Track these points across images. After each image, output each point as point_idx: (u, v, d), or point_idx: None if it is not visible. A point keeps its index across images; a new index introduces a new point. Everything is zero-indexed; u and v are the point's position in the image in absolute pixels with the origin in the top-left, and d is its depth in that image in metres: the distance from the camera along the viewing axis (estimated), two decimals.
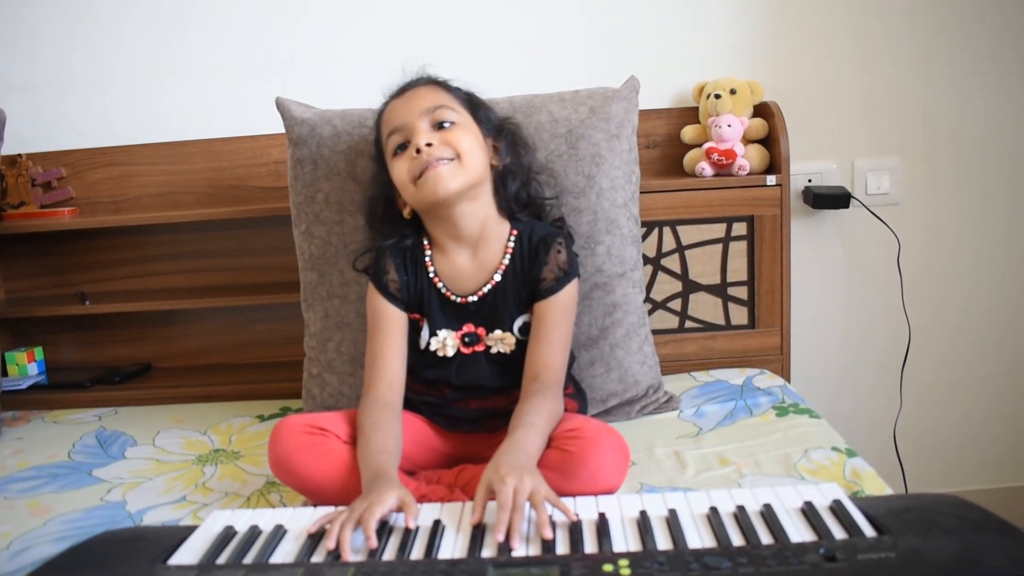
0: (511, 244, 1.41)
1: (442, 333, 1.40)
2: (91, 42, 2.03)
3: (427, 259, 1.42)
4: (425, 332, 1.41)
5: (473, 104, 1.44)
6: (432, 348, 1.40)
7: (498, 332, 1.40)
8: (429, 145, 1.32)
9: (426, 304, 1.41)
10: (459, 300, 1.40)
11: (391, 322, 1.40)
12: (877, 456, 2.01)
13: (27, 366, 2.04)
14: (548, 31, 2.00)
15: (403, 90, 1.41)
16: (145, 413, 1.88)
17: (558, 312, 1.38)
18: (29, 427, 1.84)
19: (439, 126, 1.35)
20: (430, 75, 1.44)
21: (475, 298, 1.40)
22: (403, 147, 1.36)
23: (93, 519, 1.37)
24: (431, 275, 1.41)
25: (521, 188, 1.45)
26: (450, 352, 1.40)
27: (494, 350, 1.40)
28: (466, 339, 1.40)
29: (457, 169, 1.34)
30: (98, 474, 1.57)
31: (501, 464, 1.11)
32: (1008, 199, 2.08)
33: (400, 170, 1.36)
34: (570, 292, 1.40)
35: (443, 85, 1.43)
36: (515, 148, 1.47)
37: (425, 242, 1.43)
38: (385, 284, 1.41)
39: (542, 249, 1.40)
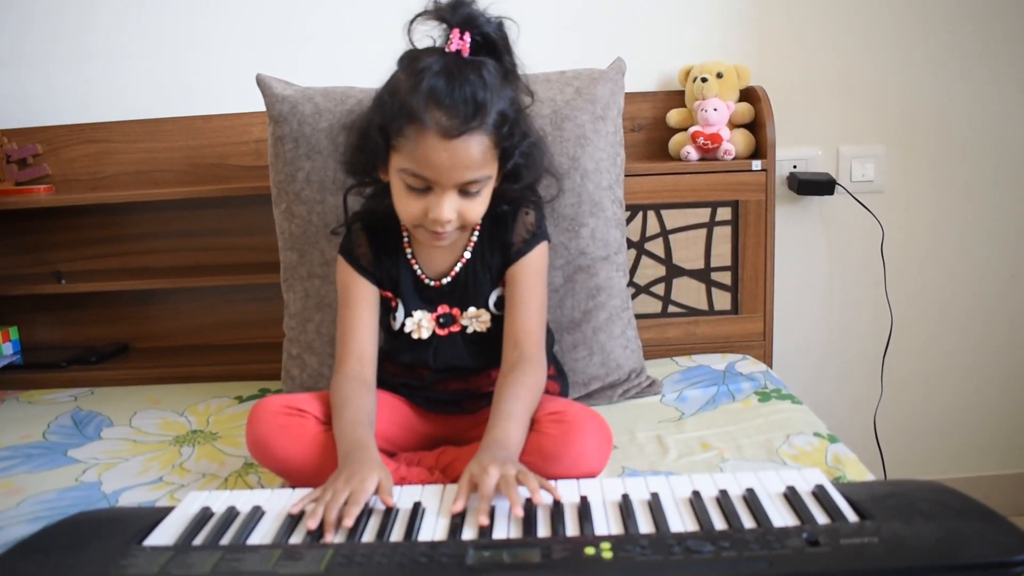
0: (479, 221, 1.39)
1: (417, 314, 1.38)
2: (68, 17, 2.00)
3: (404, 240, 1.40)
4: (400, 313, 1.39)
5: (507, 144, 1.28)
6: (407, 330, 1.39)
7: (472, 310, 1.38)
8: (449, 221, 1.26)
9: (401, 285, 1.39)
10: (433, 283, 1.38)
11: (362, 295, 1.38)
12: (857, 443, 2.01)
13: (2, 346, 2.02)
14: (534, 11, 1.98)
15: (452, 132, 1.19)
16: (122, 393, 1.86)
17: (531, 274, 1.37)
18: (3, 407, 1.82)
19: (464, 192, 1.26)
20: (487, 104, 1.21)
21: (448, 279, 1.38)
22: (419, 188, 1.25)
23: (68, 500, 1.35)
24: (408, 256, 1.39)
25: (509, 203, 1.39)
26: (425, 334, 1.38)
27: (470, 330, 1.39)
28: (441, 320, 1.39)
29: (456, 234, 1.32)
30: (73, 454, 1.55)
31: (483, 459, 1.10)
32: (992, 188, 2.08)
33: (408, 206, 1.27)
34: (541, 253, 1.39)
35: (495, 131, 1.24)
36: (526, 175, 1.36)
37: (401, 223, 1.40)
38: (356, 257, 1.39)
39: (509, 216, 1.38)
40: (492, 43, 1.27)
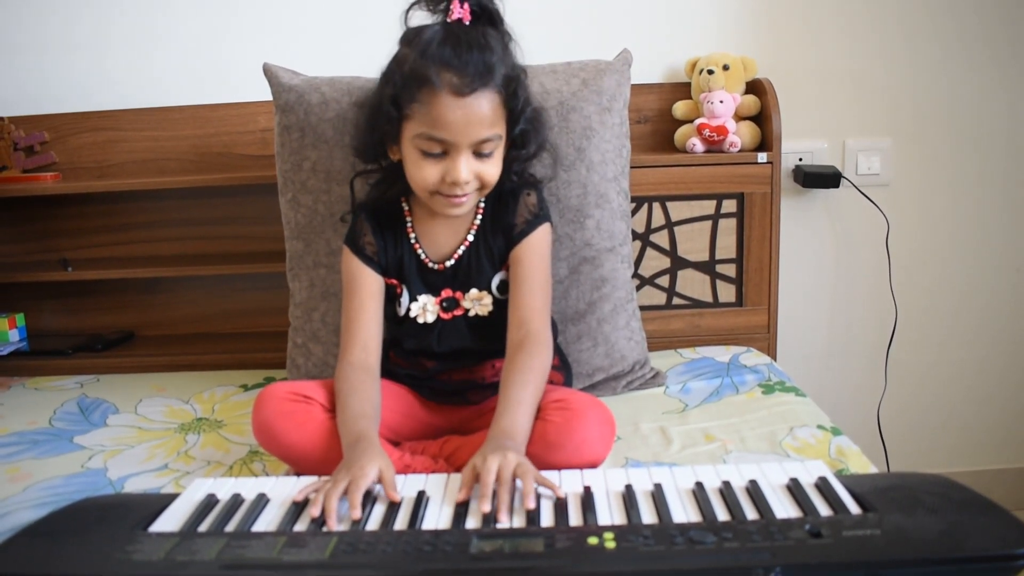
0: (481, 204, 1.41)
1: (422, 298, 1.39)
2: (76, 4, 2.00)
3: (408, 225, 1.41)
4: (405, 298, 1.40)
5: (513, 104, 1.32)
6: (412, 314, 1.39)
7: (474, 291, 1.39)
8: (467, 182, 1.28)
9: (406, 269, 1.40)
10: (436, 266, 1.39)
11: (366, 285, 1.38)
12: (860, 436, 2.01)
13: (8, 332, 2.02)
14: (541, 2, 1.98)
15: (464, 89, 1.22)
16: (127, 381, 1.87)
17: (535, 255, 1.38)
18: (10, 393, 1.82)
19: (479, 154, 1.29)
20: (494, 65, 1.25)
21: (451, 262, 1.39)
22: (435, 153, 1.27)
23: (73, 486, 1.36)
24: (412, 241, 1.40)
25: (514, 174, 1.42)
26: (430, 318, 1.39)
27: (472, 313, 1.39)
28: (444, 304, 1.39)
29: (474, 198, 1.34)
30: (79, 441, 1.55)
31: (487, 451, 1.10)
32: (998, 183, 2.08)
33: (424, 173, 1.28)
34: (544, 234, 1.40)
35: (502, 90, 1.28)
36: (532, 141, 1.40)
37: (405, 207, 1.42)
38: (361, 246, 1.40)
39: (511, 198, 1.40)
40: (490, 13, 1.31)
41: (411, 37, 1.29)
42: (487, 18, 1.31)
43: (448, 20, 1.28)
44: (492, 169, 1.30)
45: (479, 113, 1.24)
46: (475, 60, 1.23)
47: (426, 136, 1.25)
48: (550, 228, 1.42)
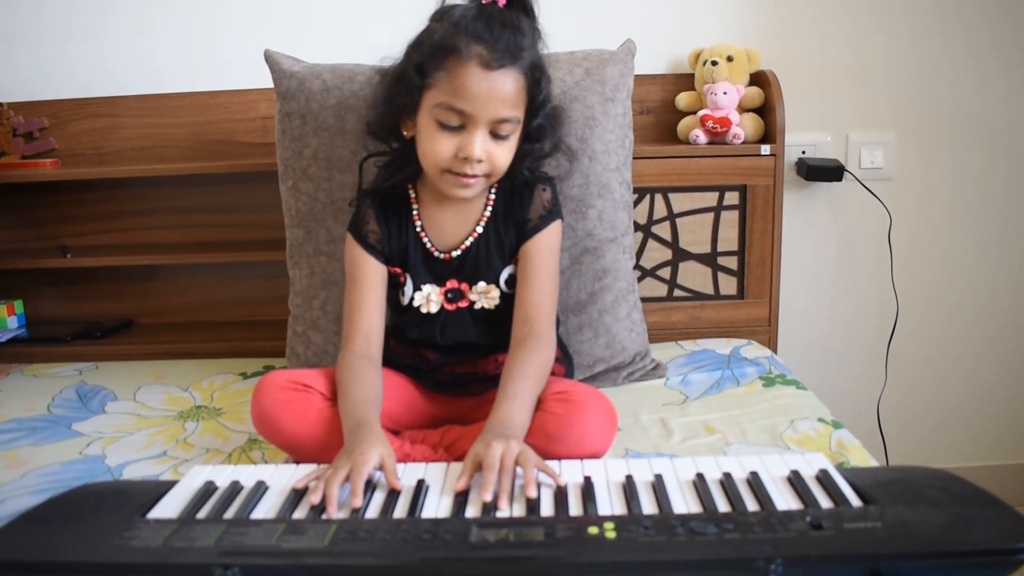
0: (492, 196, 1.40)
1: (426, 288, 1.38)
2: None
3: (414, 213, 1.39)
4: (408, 287, 1.39)
5: (535, 92, 1.31)
6: (416, 304, 1.38)
7: (482, 285, 1.38)
8: (480, 161, 1.27)
9: (410, 258, 1.39)
10: (442, 256, 1.38)
11: (369, 274, 1.37)
12: (860, 430, 2.00)
13: (7, 319, 2.01)
14: None
15: (492, 63, 1.22)
16: (126, 368, 1.86)
17: (545, 251, 1.37)
18: (8, 380, 1.82)
19: (495, 135, 1.28)
20: (524, 48, 1.26)
21: (458, 252, 1.38)
22: (453, 126, 1.26)
23: (72, 472, 1.36)
24: (418, 229, 1.39)
25: (527, 170, 1.41)
26: (434, 308, 1.38)
27: (478, 305, 1.39)
28: (449, 295, 1.38)
29: (483, 184, 1.32)
30: (77, 428, 1.55)
31: (487, 438, 1.10)
32: (1001, 178, 2.07)
33: (438, 146, 1.27)
34: (555, 231, 1.39)
35: (529, 72, 1.28)
36: (544, 140, 1.39)
37: (412, 195, 1.41)
38: (364, 234, 1.39)
39: (526, 192, 1.39)
40: (524, 2, 1.31)
41: (443, 12, 1.29)
42: (521, 6, 1.31)
43: (483, 2, 1.28)
44: (504, 154, 1.29)
45: (503, 90, 1.24)
46: (506, 38, 1.23)
47: (447, 106, 1.24)
48: (561, 225, 1.42)
